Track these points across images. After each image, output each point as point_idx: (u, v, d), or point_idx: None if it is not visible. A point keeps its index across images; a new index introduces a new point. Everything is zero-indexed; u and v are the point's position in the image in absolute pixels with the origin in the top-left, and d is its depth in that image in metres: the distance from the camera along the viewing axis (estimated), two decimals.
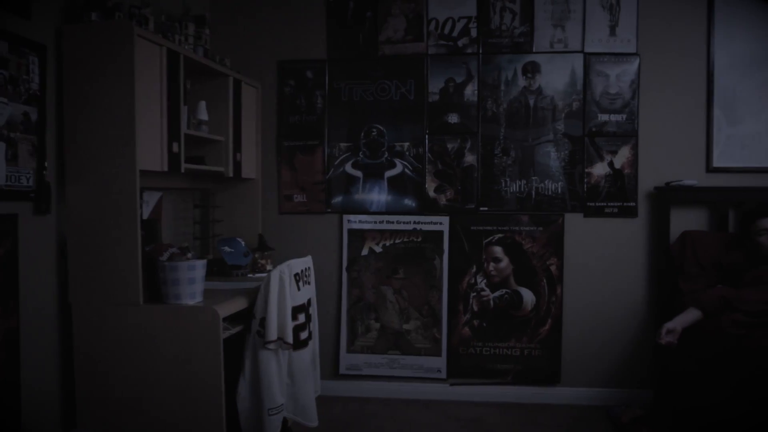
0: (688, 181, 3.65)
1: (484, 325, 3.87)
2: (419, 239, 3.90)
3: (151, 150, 2.72)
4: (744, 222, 3.45)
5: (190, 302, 2.64)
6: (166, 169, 2.82)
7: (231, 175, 3.51)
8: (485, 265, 3.86)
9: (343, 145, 3.95)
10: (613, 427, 3.48)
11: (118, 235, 2.59)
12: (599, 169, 3.80)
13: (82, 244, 2.64)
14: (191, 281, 2.64)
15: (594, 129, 3.79)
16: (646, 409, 3.60)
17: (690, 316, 3.13)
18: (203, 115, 3.27)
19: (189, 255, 2.75)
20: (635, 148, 3.78)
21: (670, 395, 3.62)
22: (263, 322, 2.74)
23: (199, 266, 2.69)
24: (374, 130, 3.92)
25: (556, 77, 3.80)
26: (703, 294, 3.20)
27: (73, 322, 2.67)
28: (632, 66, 3.77)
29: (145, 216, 3.10)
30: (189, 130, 3.09)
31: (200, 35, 3.36)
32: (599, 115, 3.79)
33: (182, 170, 2.98)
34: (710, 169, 3.77)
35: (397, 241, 3.91)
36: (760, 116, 3.73)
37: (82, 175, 2.62)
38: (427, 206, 3.90)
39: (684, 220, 3.76)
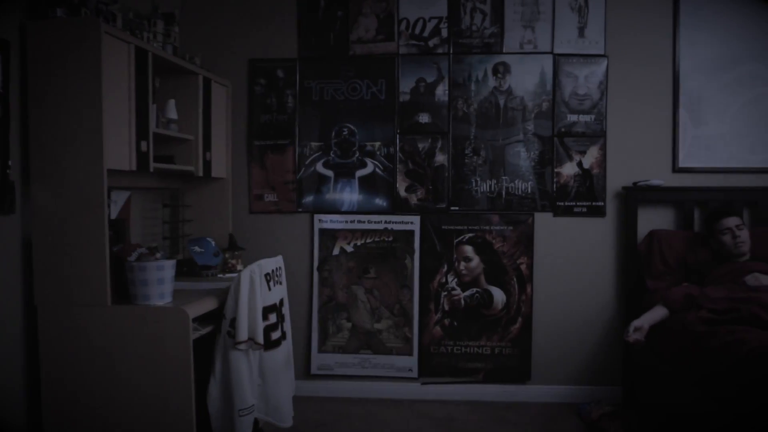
0: (654, 181, 3.71)
1: (455, 324, 3.89)
2: (390, 239, 3.90)
3: (118, 149, 2.68)
4: (708, 221, 3.52)
5: (159, 303, 2.61)
6: (134, 168, 2.78)
7: (201, 174, 3.48)
8: (456, 264, 3.88)
9: (314, 144, 3.94)
10: (582, 424, 3.52)
11: (85, 235, 2.54)
12: (568, 169, 3.84)
13: (48, 244, 2.59)
14: (160, 282, 2.61)
15: (563, 129, 3.83)
16: (615, 405, 3.64)
17: (657, 313, 3.19)
18: (172, 114, 3.24)
19: (158, 255, 2.72)
20: (603, 149, 3.83)
21: (638, 392, 3.68)
22: (233, 322, 2.72)
23: (168, 266, 2.66)
24: (345, 129, 3.91)
25: (526, 78, 3.84)
26: (670, 292, 3.26)
27: (39, 324, 2.61)
28: (600, 67, 3.82)
29: (113, 216, 3.05)
30: (158, 129, 3.05)
31: (169, 33, 3.33)
32: (568, 115, 3.83)
33: (151, 169, 2.94)
34: (676, 169, 3.83)
35: (368, 240, 3.91)
36: (723, 118, 3.81)
37: (48, 174, 2.57)
38: (399, 206, 3.90)
39: (651, 220, 3.83)
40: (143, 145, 2.84)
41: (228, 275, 3.46)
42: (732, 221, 3.39)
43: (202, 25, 3.96)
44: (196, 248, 3.44)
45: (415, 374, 3.92)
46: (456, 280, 3.88)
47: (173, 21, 3.36)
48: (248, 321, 2.74)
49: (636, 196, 3.76)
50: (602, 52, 3.82)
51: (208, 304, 2.78)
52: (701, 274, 3.44)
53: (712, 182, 3.80)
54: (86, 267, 2.55)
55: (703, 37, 3.80)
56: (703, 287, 3.22)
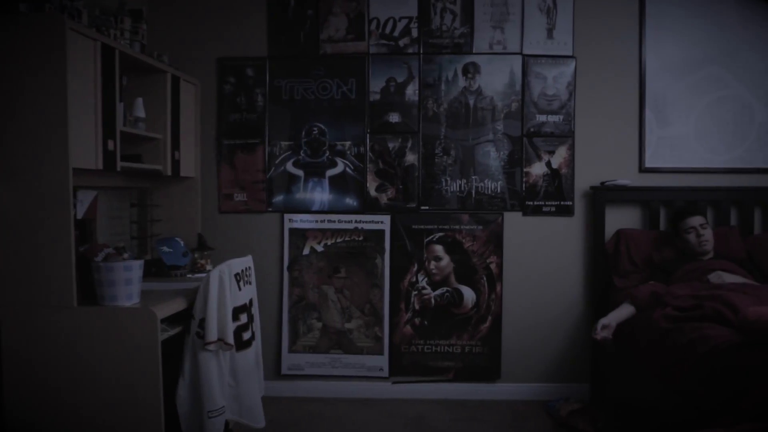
0: (621, 181, 3.76)
1: (426, 323, 3.90)
2: (361, 238, 3.90)
3: (85, 147, 2.63)
4: (674, 220, 3.57)
5: (127, 304, 2.57)
6: (101, 167, 2.74)
7: (169, 173, 3.44)
8: (426, 263, 3.90)
9: (284, 143, 3.92)
10: (551, 421, 3.55)
11: (50, 235, 2.49)
12: (537, 169, 3.88)
13: (13, 244, 2.53)
14: (128, 282, 2.58)
15: (532, 129, 3.87)
16: (583, 402, 3.69)
17: (624, 311, 3.23)
18: (140, 112, 3.20)
19: (125, 255, 2.68)
20: (572, 149, 3.88)
21: (606, 388, 3.73)
22: (203, 323, 2.70)
23: (136, 267, 2.63)
24: (315, 128, 3.90)
25: (496, 78, 3.86)
26: (636, 290, 3.30)
27: (1, 326, 2.55)
28: (569, 68, 3.87)
29: (80, 216, 3.01)
30: (125, 128, 3.01)
31: (137, 30, 3.28)
32: (537, 115, 3.87)
33: (118, 168, 2.90)
34: (642, 169, 3.89)
35: (338, 240, 3.91)
36: (688, 119, 3.88)
37: (12, 174, 2.51)
38: (369, 205, 3.90)
39: (618, 219, 3.88)
40: (110, 144, 2.81)
41: (197, 275, 3.43)
42: (696, 220, 3.45)
43: (170, 23, 3.92)
44: (165, 248, 3.41)
45: (385, 373, 3.93)
46: (426, 279, 3.90)
47: (141, 18, 3.32)
48: (218, 321, 2.72)
49: (603, 195, 3.81)
50: (570, 54, 3.87)
51: (177, 305, 2.75)
52: (667, 272, 3.49)
53: (677, 182, 3.86)
54: (51, 268, 2.50)
55: (667, 39, 3.87)
56: (668, 285, 3.28)
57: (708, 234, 3.45)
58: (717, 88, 3.87)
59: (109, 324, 2.52)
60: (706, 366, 2.41)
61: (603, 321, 3.17)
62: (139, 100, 3.21)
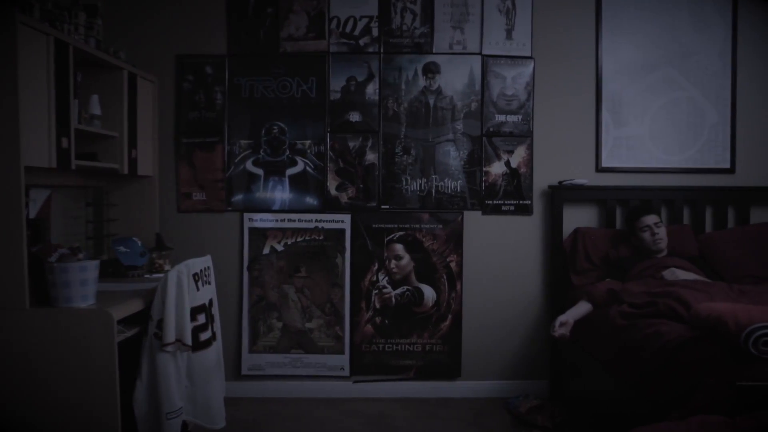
0: (579, 181, 3.82)
1: (387, 322, 3.91)
2: (321, 237, 3.89)
3: (37, 145, 2.57)
4: (629, 219, 3.65)
5: (82, 305, 2.52)
6: (54, 165, 2.68)
7: (126, 172, 3.38)
8: (387, 262, 3.90)
9: (243, 142, 3.89)
10: (511, 418, 3.59)
11: (0, 235, 2.44)
12: (497, 168, 3.92)
13: None
14: (83, 283, 2.53)
15: (492, 129, 3.90)
16: (542, 398, 3.74)
17: (581, 308, 3.29)
18: (96, 110, 3.14)
19: (80, 255, 2.63)
20: (530, 148, 3.92)
21: (564, 384, 3.78)
22: (161, 323, 2.66)
23: (92, 267, 2.58)
24: (275, 127, 3.88)
25: (455, 78, 3.89)
26: (593, 287, 3.36)
27: None
28: (527, 69, 3.91)
29: (32, 215, 2.94)
30: (80, 125, 2.95)
31: (92, 25, 3.21)
32: (496, 115, 3.91)
33: (73, 167, 2.83)
34: (599, 169, 3.96)
35: (299, 239, 3.89)
36: (643, 120, 3.96)
37: None
38: (329, 204, 3.89)
39: (576, 218, 3.94)
40: (64, 142, 2.75)
41: (155, 275, 3.38)
42: (650, 219, 3.53)
43: (127, 19, 3.85)
44: (122, 248, 3.35)
45: (346, 373, 3.92)
46: (387, 278, 3.90)
47: (96, 13, 3.25)
48: (176, 322, 2.68)
49: (561, 194, 3.86)
50: (529, 54, 3.91)
51: (134, 306, 2.71)
52: (623, 269, 3.56)
53: (632, 181, 3.94)
54: (1, 269, 2.44)
55: (623, 42, 3.94)
56: (624, 283, 3.34)
57: (662, 232, 3.52)
58: (671, 90, 3.96)
59: (64, 326, 2.47)
60: (659, 361, 2.46)
61: (561, 318, 3.22)
62: (95, 97, 3.15)
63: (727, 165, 3.99)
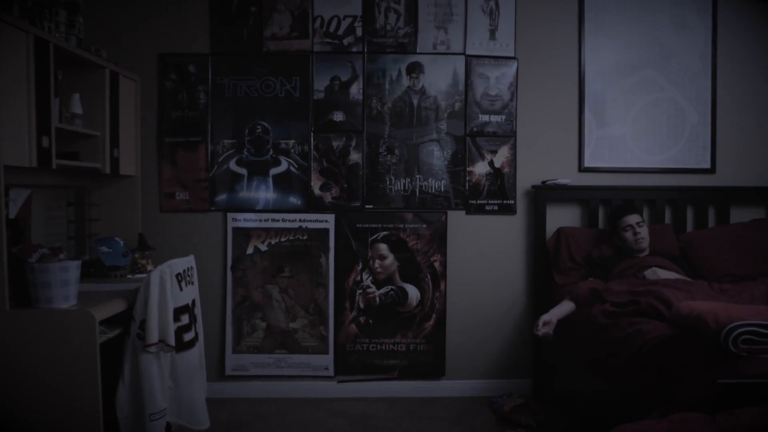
0: (562, 180, 3.84)
1: (371, 321, 3.91)
2: (305, 237, 3.88)
3: (17, 144, 2.55)
4: (611, 219, 3.67)
5: (64, 306, 2.49)
6: (34, 164, 2.65)
7: (108, 171, 3.36)
8: (371, 262, 3.90)
9: (227, 141, 3.87)
10: (495, 417, 3.60)
11: None
12: (480, 168, 3.93)
13: None
14: (64, 283, 2.50)
15: (475, 129, 3.92)
16: (526, 397, 3.76)
17: (564, 308, 3.30)
18: (77, 109, 3.11)
19: (62, 256, 2.61)
20: (514, 148, 3.94)
21: (547, 383, 3.80)
22: (143, 324, 2.65)
23: (73, 267, 2.55)
24: (259, 127, 3.87)
25: (439, 78, 3.90)
26: (576, 287, 3.38)
27: None
28: (511, 69, 3.93)
29: (12, 215, 2.90)
30: (61, 124, 2.92)
31: (73, 23, 3.18)
32: (480, 115, 3.92)
33: (53, 166, 2.81)
34: (582, 168, 3.99)
35: (282, 239, 3.88)
36: (625, 120, 3.99)
37: None
38: (313, 204, 3.89)
39: (559, 217, 3.96)
40: (45, 141, 2.72)
41: (138, 276, 3.36)
42: (633, 219, 3.56)
43: (109, 17, 3.82)
44: (104, 248, 3.33)
45: (331, 372, 3.92)
46: (371, 278, 3.90)
47: (77, 10, 3.22)
48: (159, 322, 2.67)
49: (545, 194, 3.88)
50: (512, 55, 3.93)
51: (116, 306, 2.69)
52: (605, 269, 3.58)
53: (615, 181, 3.97)
54: None
55: (605, 43, 3.97)
56: (607, 282, 3.36)
57: (644, 232, 3.55)
58: (652, 91, 3.99)
59: (45, 327, 2.44)
60: (641, 359, 2.49)
61: (544, 317, 3.23)
62: (76, 96, 3.12)
63: (708, 165, 4.03)
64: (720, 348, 2.14)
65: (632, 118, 3.99)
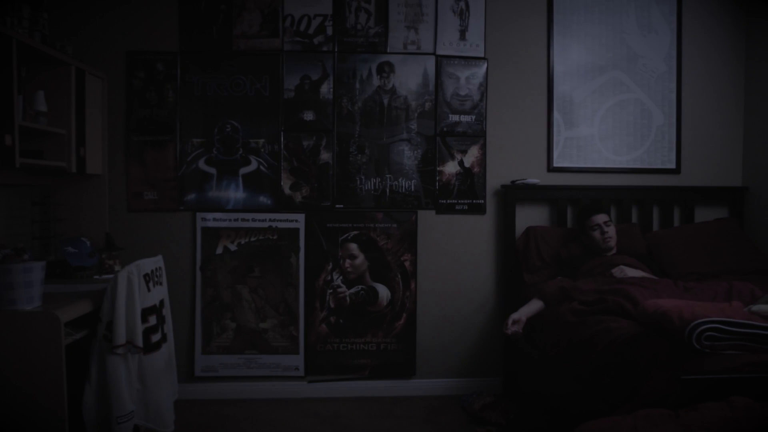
0: (531, 180, 3.88)
1: (341, 321, 3.91)
2: (275, 237, 3.87)
3: None
4: (580, 218, 3.71)
5: (27, 307, 2.45)
6: None
7: (74, 170, 3.30)
8: (341, 261, 3.90)
9: (196, 140, 3.83)
10: (465, 415, 3.63)
11: None
12: (450, 168, 3.95)
13: None
14: (28, 285, 2.45)
15: (445, 129, 3.93)
16: (496, 395, 3.78)
17: (533, 306, 3.33)
18: (41, 106, 3.06)
19: (26, 256, 2.57)
20: (483, 148, 3.97)
21: (517, 382, 3.83)
22: (110, 325, 2.61)
23: (37, 268, 2.50)
24: (228, 126, 3.84)
25: (410, 78, 3.91)
26: (545, 285, 3.41)
27: None
28: (480, 69, 3.95)
29: None
30: (25, 122, 2.87)
31: (37, 19, 3.12)
32: (450, 115, 3.94)
33: (17, 165, 2.75)
34: (551, 168, 4.03)
35: (252, 239, 3.85)
36: (592, 121, 4.04)
37: None
38: (283, 204, 3.87)
39: (528, 217, 4.00)
40: (7, 139, 2.67)
41: (105, 276, 3.31)
42: (600, 218, 3.60)
43: (74, 13, 3.76)
44: (70, 248, 3.27)
45: (301, 373, 3.91)
46: (341, 277, 3.90)
47: (41, 6, 3.16)
48: (126, 323, 2.64)
49: (514, 194, 3.91)
50: (482, 55, 3.96)
51: (83, 307, 2.65)
52: (574, 267, 3.63)
53: (582, 181, 4.02)
54: None
55: (573, 44, 4.02)
56: (575, 280, 3.40)
57: (611, 231, 3.60)
58: (619, 92, 4.05)
59: (8, 329, 2.39)
60: (608, 357, 2.52)
61: (513, 316, 3.26)
62: (41, 94, 3.07)
63: (673, 165, 4.11)
64: (684, 344, 2.18)
65: (600, 119, 4.04)
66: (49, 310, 2.42)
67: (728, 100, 4.16)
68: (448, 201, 3.95)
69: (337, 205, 3.89)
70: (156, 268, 2.99)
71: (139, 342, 2.68)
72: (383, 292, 3.92)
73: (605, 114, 4.05)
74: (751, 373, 2.04)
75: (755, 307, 2.39)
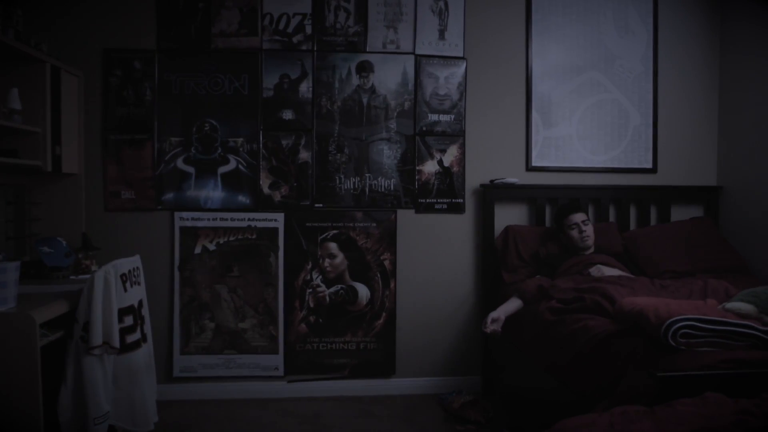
0: (510, 179, 3.90)
1: (321, 320, 3.90)
2: (254, 236, 3.85)
3: None
4: (558, 217, 3.74)
5: (1, 308, 2.41)
6: None
7: (50, 169, 3.27)
8: (321, 261, 3.89)
9: (174, 139, 3.80)
10: (445, 414, 3.64)
11: None
12: (430, 167, 3.96)
13: None
14: (2, 285, 2.42)
15: (425, 128, 3.94)
16: (475, 394, 3.80)
17: (512, 305, 3.35)
18: (15, 104, 3.02)
19: None
20: (463, 147, 3.98)
21: (496, 380, 3.85)
22: (87, 326, 2.59)
23: (11, 269, 2.47)
24: (207, 124, 3.81)
25: (389, 77, 3.91)
26: (524, 284, 3.44)
27: None
28: (460, 69, 3.97)
29: None
30: None
31: (11, 15, 3.07)
32: (429, 115, 3.95)
33: None
34: (529, 168, 4.05)
35: (231, 238, 3.83)
36: (570, 121, 4.07)
37: None
38: (262, 203, 3.86)
39: (507, 216, 4.02)
40: None
41: (81, 277, 3.27)
42: (578, 217, 3.63)
43: (50, 10, 3.71)
44: (45, 248, 3.23)
45: (281, 372, 3.89)
46: (321, 277, 3.89)
47: (15, 2, 3.11)
48: (103, 324, 2.62)
49: (493, 193, 3.93)
50: (461, 55, 3.97)
51: (59, 308, 2.62)
52: (552, 266, 3.65)
53: (561, 181, 4.05)
54: None
55: (551, 45, 4.05)
56: (553, 279, 3.43)
57: (589, 230, 3.63)
58: (597, 92, 4.09)
59: None
60: (586, 355, 2.54)
61: (492, 315, 3.27)
62: (14, 91, 3.03)
63: (650, 165, 4.15)
64: (660, 342, 2.20)
65: (578, 119, 4.08)
66: (24, 311, 2.39)
67: (703, 101, 4.22)
68: (428, 200, 3.96)
69: (316, 205, 3.88)
70: (133, 268, 2.97)
71: (116, 342, 2.66)
72: (363, 291, 3.92)
73: (583, 114, 4.08)
74: (725, 369, 2.07)
75: (729, 305, 2.43)
